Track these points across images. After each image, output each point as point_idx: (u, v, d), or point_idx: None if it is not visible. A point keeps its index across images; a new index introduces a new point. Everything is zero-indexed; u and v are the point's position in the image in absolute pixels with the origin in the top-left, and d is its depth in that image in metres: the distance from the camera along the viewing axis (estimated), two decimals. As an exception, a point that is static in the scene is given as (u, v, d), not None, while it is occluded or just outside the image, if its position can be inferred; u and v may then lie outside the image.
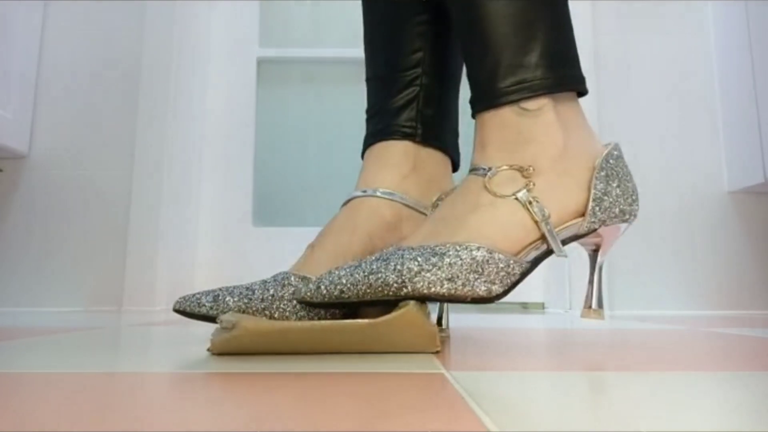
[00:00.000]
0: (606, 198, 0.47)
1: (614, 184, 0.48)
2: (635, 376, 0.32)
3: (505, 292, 0.44)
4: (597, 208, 0.46)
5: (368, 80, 0.66)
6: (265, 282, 0.51)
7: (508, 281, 0.44)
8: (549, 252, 0.46)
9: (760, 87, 1.23)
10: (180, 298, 0.51)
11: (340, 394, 0.27)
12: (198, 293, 0.51)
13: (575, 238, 0.47)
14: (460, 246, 0.43)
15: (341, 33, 1.63)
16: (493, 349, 0.47)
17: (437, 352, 0.43)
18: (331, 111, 1.58)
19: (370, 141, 0.62)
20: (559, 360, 0.41)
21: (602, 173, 0.47)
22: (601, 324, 0.82)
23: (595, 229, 0.47)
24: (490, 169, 0.47)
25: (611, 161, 0.48)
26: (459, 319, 0.91)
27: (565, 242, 0.47)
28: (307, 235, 0.60)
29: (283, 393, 0.27)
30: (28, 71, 1.31)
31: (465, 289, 0.43)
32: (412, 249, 0.44)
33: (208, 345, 0.42)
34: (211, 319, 0.49)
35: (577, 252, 1.33)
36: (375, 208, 0.56)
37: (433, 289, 0.42)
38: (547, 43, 0.48)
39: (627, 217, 0.49)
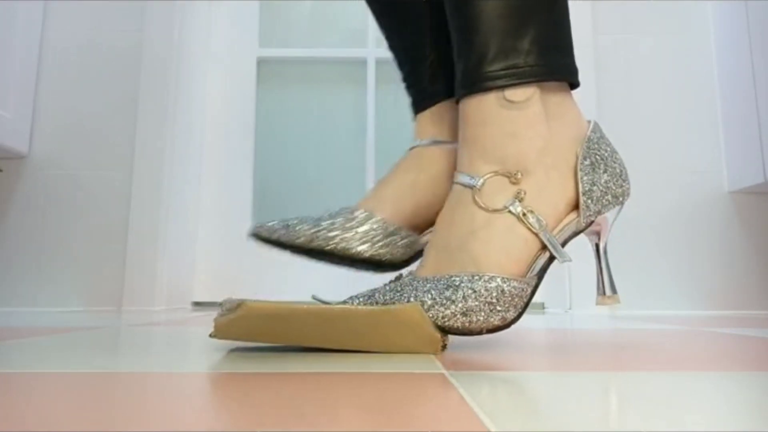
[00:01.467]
0: (595, 188, 0.45)
1: (601, 170, 0.46)
2: (635, 376, 0.32)
3: (519, 316, 0.44)
4: (589, 201, 0.45)
5: (390, 48, 0.66)
6: (331, 215, 0.54)
7: (521, 304, 0.43)
8: (552, 259, 0.45)
9: (760, 87, 1.23)
10: (256, 225, 0.55)
11: (340, 394, 0.27)
12: (271, 221, 0.55)
13: (575, 235, 0.46)
14: (473, 278, 0.42)
15: (341, 33, 1.63)
16: (493, 349, 0.47)
17: (439, 353, 0.43)
18: (331, 111, 1.58)
19: (417, 108, 0.62)
20: (559, 360, 0.41)
21: (586, 162, 0.46)
22: (601, 324, 0.82)
23: (592, 222, 0.46)
24: (475, 178, 0.45)
25: (593, 146, 0.46)
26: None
27: (565, 242, 0.46)
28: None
29: (284, 393, 0.27)
30: (28, 71, 1.31)
31: (479, 322, 0.42)
32: (426, 281, 0.43)
33: (211, 332, 0.42)
34: (284, 245, 0.53)
35: (577, 252, 1.33)
36: (439, 155, 0.58)
37: (447, 323, 0.42)
38: (540, 29, 0.45)
39: (621, 199, 0.47)
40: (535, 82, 0.45)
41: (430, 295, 0.42)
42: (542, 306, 1.43)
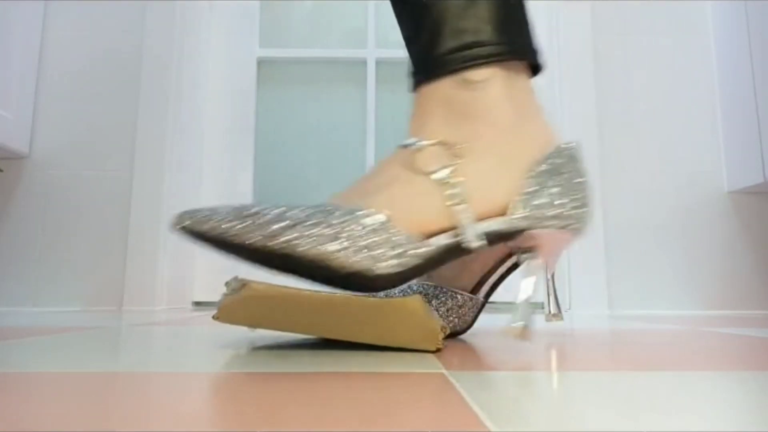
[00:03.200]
0: (537, 195, 0.41)
1: (553, 182, 0.41)
2: (634, 376, 0.32)
3: (400, 276, 0.38)
4: (521, 204, 0.40)
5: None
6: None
7: (396, 254, 0.38)
8: (459, 247, 0.40)
9: (760, 87, 1.23)
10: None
11: (339, 393, 0.27)
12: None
13: (501, 237, 0.41)
14: (353, 210, 0.38)
15: (341, 33, 1.63)
16: (493, 349, 0.47)
17: (438, 350, 0.43)
18: (332, 111, 1.58)
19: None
20: (559, 360, 0.41)
21: (542, 167, 0.41)
22: (601, 324, 0.82)
23: (521, 229, 0.41)
24: (419, 141, 0.41)
25: (559, 159, 0.42)
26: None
27: (492, 242, 0.41)
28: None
29: (283, 393, 0.27)
30: (28, 71, 1.31)
31: (340, 258, 0.37)
32: (309, 206, 0.39)
33: (215, 314, 0.42)
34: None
35: (577, 252, 1.33)
36: None
37: (300, 249, 0.37)
38: (495, 6, 0.42)
39: (565, 224, 0.41)
40: (495, 61, 0.41)
41: (298, 211, 0.38)
42: (542, 306, 1.43)
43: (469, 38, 0.41)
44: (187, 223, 0.37)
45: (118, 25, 1.38)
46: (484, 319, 0.91)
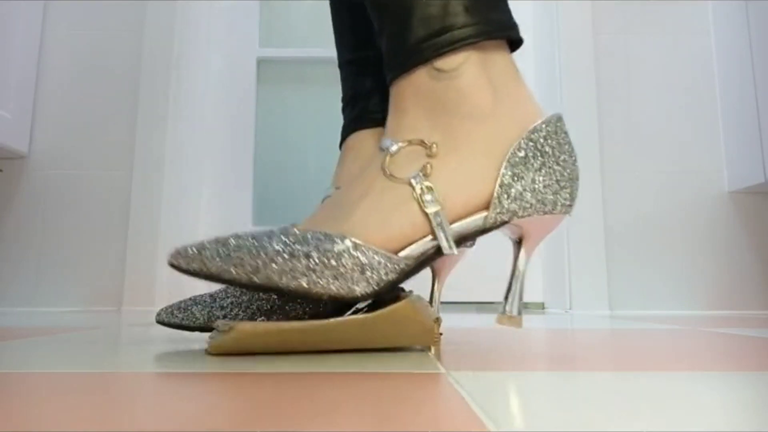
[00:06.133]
0: (517, 184, 0.39)
1: (534, 167, 0.39)
2: (635, 376, 0.32)
3: (375, 293, 0.39)
4: (504, 196, 0.39)
5: (340, 66, 0.62)
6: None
7: (376, 279, 0.38)
8: (440, 250, 0.39)
9: (760, 87, 1.23)
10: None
11: (339, 394, 0.27)
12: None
13: (481, 232, 0.40)
14: (324, 236, 0.38)
15: (341, 33, 1.63)
16: (493, 349, 0.47)
17: (436, 343, 0.43)
18: (331, 111, 1.58)
19: (345, 132, 0.58)
20: (559, 360, 0.41)
21: (520, 153, 0.39)
22: (601, 324, 0.82)
23: (504, 222, 0.39)
24: (393, 144, 0.40)
25: (537, 137, 0.39)
26: (459, 318, 0.91)
27: (468, 238, 0.40)
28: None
29: (283, 393, 0.27)
30: (28, 71, 1.31)
31: (320, 286, 0.38)
32: (288, 233, 0.39)
33: (206, 347, 0.42)
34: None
35: (577, 250, 1.33)
36: None
37: (283, 281, 0.38)
38: None
39: (549, 207, 0.39)
40: (465, 45, 0.39)
41: (279, 246, 0.38)
42: (542, 306, 1.43)
43: (437, 24, 0.39)
44: (179, 263, 0.41)
45: (118, 25, 1.37)
46: (482, 319, 0.91)
